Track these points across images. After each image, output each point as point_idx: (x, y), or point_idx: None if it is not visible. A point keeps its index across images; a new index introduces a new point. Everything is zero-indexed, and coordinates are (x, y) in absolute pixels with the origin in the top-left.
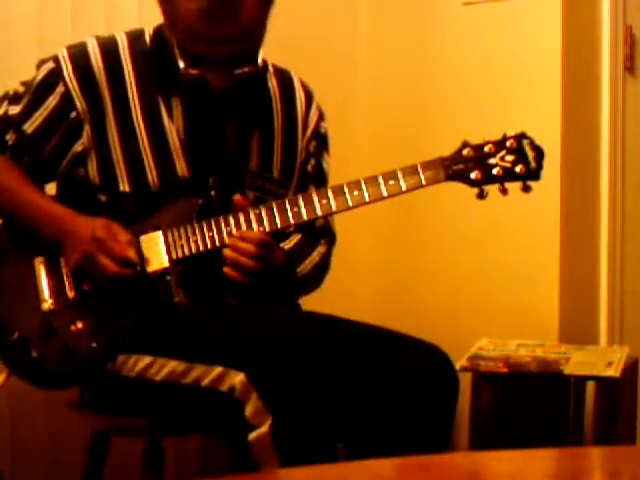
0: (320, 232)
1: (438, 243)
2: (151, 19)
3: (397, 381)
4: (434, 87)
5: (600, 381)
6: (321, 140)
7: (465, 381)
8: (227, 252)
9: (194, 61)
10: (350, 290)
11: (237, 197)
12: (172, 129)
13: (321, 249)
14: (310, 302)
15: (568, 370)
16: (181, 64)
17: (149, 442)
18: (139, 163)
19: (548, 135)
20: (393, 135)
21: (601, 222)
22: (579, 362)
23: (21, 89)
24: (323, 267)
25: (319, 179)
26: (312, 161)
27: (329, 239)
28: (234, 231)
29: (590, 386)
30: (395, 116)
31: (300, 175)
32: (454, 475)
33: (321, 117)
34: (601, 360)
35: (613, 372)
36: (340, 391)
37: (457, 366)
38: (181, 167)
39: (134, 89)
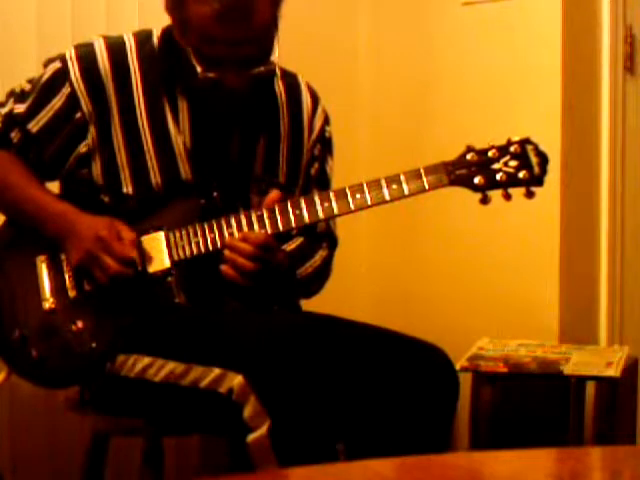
0: (322, 236)
1: (438, 243)
2: (151, 19)
3: (397, 381)
4: (434, 87)
5: (600, 381)
6: (325, 144)
7: (465, 381)
8: (226, 252)
9: (211, 64)
10: (350, 290)
11: (274, 192)
12: (177, 132)
13: (323, 253)
14: (310, 302)
15: (568, 370)
16: (198, 68)
17: (149, 442)
18: (143, 166)
19: (548, 135)
20: (393, 134)
21: (601, 222)
22: (579, 362)
23: (27, 87)
24: (324, 271)
25: (322, 183)
26: (316, 165)
27: (331, 243)
28: (236, 233)
29: (590, 386)
30: (395, 116)
31: (303, 178)
32: (454, 475)
33: (326, 121)
34: (601, 360)
35: (613, 372)
36: (340, 391)
37: (457, 366)
38: (185, 171)
39: (140, 91)
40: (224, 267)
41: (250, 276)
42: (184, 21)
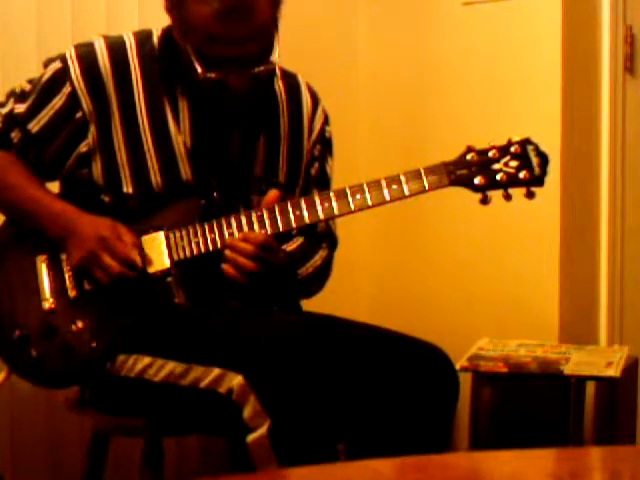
0: (322, 236)
1: (438, 243)
2: (151, 19)
3: (397, 381)
4: (434, 87)
5: (600, 381)
6: (325, 144)
7: (465, 381)
8: (227, 251)
9: (212, 64)
10: (350, 290)
11: (273, 191)
12: (177, 132)
13: (323, 253)
14: (311, 302)
15: (568, 370)
16: (199, 68)
17: (149, 442)
18: (143, 166)
19: (548, 135)
20: (393, 134)
21: (601, 222)
22: (579, 362)
23: (27, 87)
24: (324, 271)
25: (322, 183)
26: (316, 165)
27: (331, 243)
28: (236, 233)
29: (590, 386)
30: (395, 116)
31: (304, 178)
32: (454, 475)
33: (326, 121)
34: (601, 360)
35: (613, 372)
36: (340, 392)
37: (457, 366)
38: (185, 171)
39: (140, 91)
40: (225, 266)
41: (251, 276)
42: (184, 21)
